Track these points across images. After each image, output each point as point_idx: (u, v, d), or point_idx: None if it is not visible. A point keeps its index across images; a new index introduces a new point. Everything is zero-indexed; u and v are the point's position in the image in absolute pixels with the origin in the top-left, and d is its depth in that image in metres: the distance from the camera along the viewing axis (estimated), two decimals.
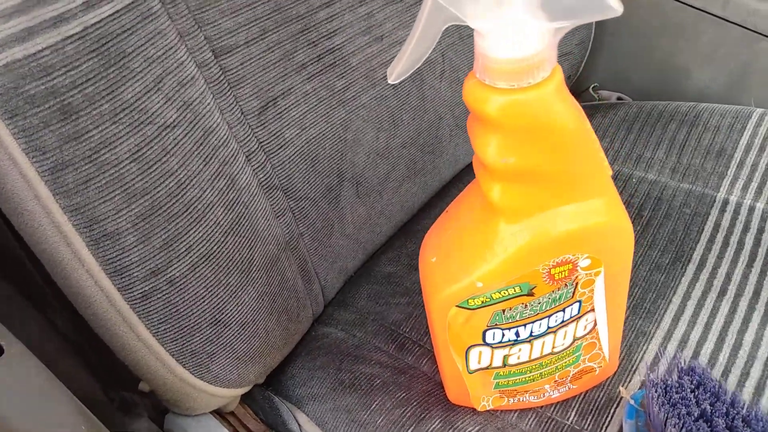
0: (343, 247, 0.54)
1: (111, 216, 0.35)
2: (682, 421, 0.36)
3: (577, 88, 0.78)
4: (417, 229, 0.60)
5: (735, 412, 0.36)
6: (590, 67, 0.75)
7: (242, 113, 0.42)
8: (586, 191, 0.33)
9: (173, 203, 0.37)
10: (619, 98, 0.74)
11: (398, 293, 0.54)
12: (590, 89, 0.76)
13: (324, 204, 0.50)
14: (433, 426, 0.44)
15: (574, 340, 0.40)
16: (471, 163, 0.66)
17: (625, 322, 0.48)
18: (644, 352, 0.46)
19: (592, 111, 0.68)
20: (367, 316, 0.53)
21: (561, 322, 0.38)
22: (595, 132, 0.68)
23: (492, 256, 0.34)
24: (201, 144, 0.39)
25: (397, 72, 0.29)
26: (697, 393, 0.37)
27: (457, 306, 0.37)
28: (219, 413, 0.50)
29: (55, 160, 0.33)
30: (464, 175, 0.64)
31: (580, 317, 0.38)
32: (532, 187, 0.32)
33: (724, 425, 0.35)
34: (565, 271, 0.35)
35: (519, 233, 0.33)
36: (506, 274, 0.35)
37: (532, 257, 0.34)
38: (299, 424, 0.48)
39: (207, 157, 0.39)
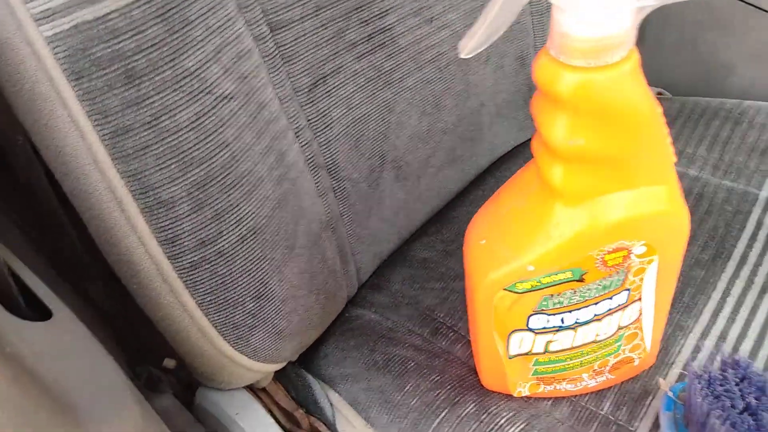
0: (380, 230, 0.54)
1: (167, 184, 0.35)
2: (726, 414, 0.36)
3: None
4: (453, 215, 0.60)
5: None
6: None
7: (293, 90, 0.42)
8: (649, 178, 0.32)
9: (227, 175, 0.37)
10: (659, 93, 0.73)
11: (433, 278, 0.54)
12: None
13: (365, 186, 0.50)
14: (467, 410, 0.44)
15: (618, 330, 0.40)
16: (507, 152, 0.66)
17: None
18: (682, 347, 0.46)
19: None
20: (401, 300, 0.53)
21: (607, 310, 0.38)
22: None
23: (546, 239, 0.34)
24: (254, 117, 0.39)
25: (470, 46, 0.28)
26: (741, 386, 0.37)
27: (504, 289, 0.37)
28: (251, 389, 0.50)
29: (117, 125, 0.33)
30: (501, 163, 0.64)
31: (626, 306, 0.38)
32: (595, 171, 0.32)
33: None
34: (619, 257, 0.35)
35: (576, 217, 0.33)
36: (560, 259, 0.35)
37: (588, 242, 0.34)
38: (331, 403, 0.48)
39: (260, 131, 0.39)
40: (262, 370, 0.46)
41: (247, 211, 0.39)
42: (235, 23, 0.37)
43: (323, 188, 0.46)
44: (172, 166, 0.35)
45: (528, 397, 0.45)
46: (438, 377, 0.46)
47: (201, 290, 0.39)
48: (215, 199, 0.37)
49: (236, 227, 0.39)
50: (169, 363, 0.56)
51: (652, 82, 0.81)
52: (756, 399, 0.36)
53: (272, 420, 0.48)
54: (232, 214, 0.38)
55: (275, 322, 0.44)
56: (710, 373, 0.38)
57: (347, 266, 0.51)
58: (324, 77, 0.44)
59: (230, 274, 0.39)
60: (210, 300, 0.40)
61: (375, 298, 0.54)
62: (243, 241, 0.39)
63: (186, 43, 0.34)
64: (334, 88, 0.45)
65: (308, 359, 0.51)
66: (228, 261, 0.39)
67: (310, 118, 0.44)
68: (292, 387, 0.50)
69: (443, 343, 0.49)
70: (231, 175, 0.37)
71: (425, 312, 0.52)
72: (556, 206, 0.33)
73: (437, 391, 0.45)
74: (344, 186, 0.48)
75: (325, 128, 0.45)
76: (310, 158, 0.45)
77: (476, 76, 0.56)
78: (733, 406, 0.36)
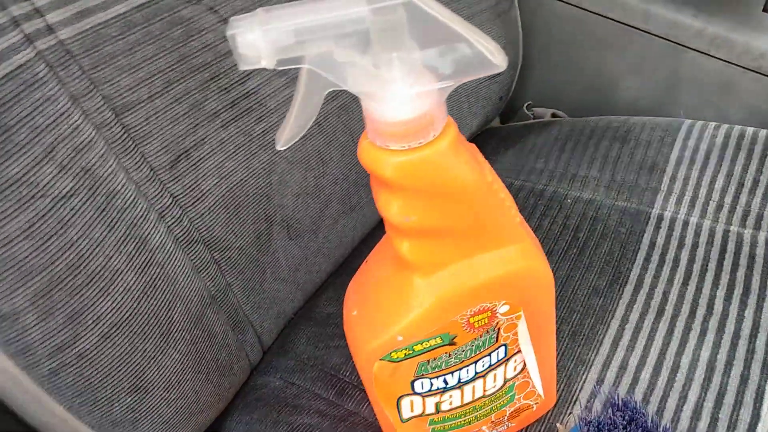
0: (279, 291, 0.52)
1: (5, 297, 0.33)
2: None
3: (511, 107, 0.78)
4: (358, 264, 0.59)
5: None
6: (523, 86, 0.74)
7: (151, 170, 0.41)
8: (497, 240, 0.32)
9: (75, 276, 0.35)
10: (554, 115, 0.74)
11: (337, 335, 0.53)
12: (524, 108, 0.76)
13: (253, 251, 0.49)
14: None
15: (506, 382, 0.39)
16: None
17: (564, 351, 0.47)
18: (584, 381, 0.46)
19: (525, 130, 0.68)
20: (306, 362, 0.52)
21: (489, 366, 0.37)
22: (530, 152, 0.68)
23: (408, 310, 0.33)
24: (104, 210, 0.37)
25: (284, 139, 0.28)
26: (629, 429, 0.37)
27: (380, 360, 0.36)
28: None
29: None
30: None
31: (508, 359, 0.38)
32: (441, 242, 0.31)
33: None
34: (484, 318, 0.34)
35: (433, 286, 0.32)
36: (425, 327, 0.34)
37: (449, 309, 0.33)
38: None
39: (111, 222, 0.37)
40: None
41: (105, 308, 0.37)
42: (70, 116, 0.36)
43: (202, 263, 0.45)
44: (8, 278, 0.33)
45: None
46: None
47: (67, 395, 0.37)
48: (65, 302, 0.35)
49: (95, 326, 0.37)
50: None
51: (548, 104, 0.82)
52: None
53: None
54: (88, 314, 0.36)
55: (160, 411, 0.42)
56: (599, 419, 0.38)
57: (244, 335, 0.49)
58: (186, 151, 0.43)
59: (97, 373, 0.37)
60: (80, 402, 0.38)
61: (280, 363, 0.52)
62: (106, 339, 0.37)
63: (7, 150, 0.32)
64: (199, 160, 0.44)
65: None
66: (92, 361, 0.37)
67: (176, 194, 0.42)
68: None
69: (349, 404, 0.48)
70: (81, 275, 0.36)
71: (330, 372, 0.50)
72: (412, 277, 0.33)
73: None
74: (228, 256, 0.47)
75: (195, 202, 0.44)
76: (181, 236, 0.43)
77: (360, 125, 0.54)
78: None
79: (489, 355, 0.37)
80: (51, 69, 0.35)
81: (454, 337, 0.35)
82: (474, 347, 0.36)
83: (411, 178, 0.28)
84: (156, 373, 0.41)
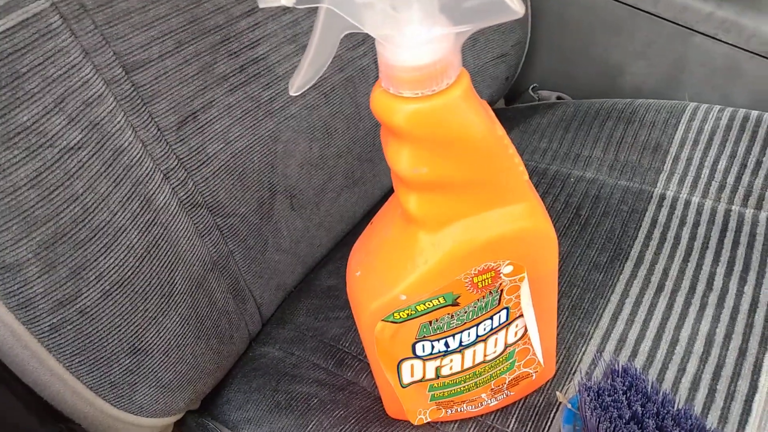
0: (279, 262, 0.52)
1: (9, 246, 0.33)
2: (613, 425, 0.35)
3: (517, 89, 0.78)
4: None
5: (665, 411, 0.36)
6: (529, 68, 0.75)
7: (158, 130, 0.41)
8: (504, 197, 0.32)
9: (80, 229, 0.35)
10: (558, 97, 0.74)
11: (338, 307, 0.53)
12: (530, 90, 0.76)
13: (256, 219, 0.49)
14: None
15: (506, 347, 0.39)
16: None
17: (563, 324, 0.48)
18: (583, 354, 0.46)
19: (530, 111, 0.68)
20: (305, 333, 0.52)
21: (490, 330, 0.37)
22: (534, 132, 0.68)
23: (413, 268, 0.33)
24: (110, 165, 0.37)
25: (297, 84, 0.28)
26: (629, 395, 0.37)
27: (383, 320, 0.36)
28: None
29: None
30: None
31: (509, 324, 0.38)
32: (449, 196, 0.31)
33: (654, 426, 0.35)
34: (488, 278, 0.34)
35: (439, 243, 0.32)
36: (429, 286, 0.34)
37: (454, 267, 0.33)
38: None
39: (117, 178, 0.37)
40: (155, 425, 0.44)
41: (108, 264, 0.37)
42: (82, 70, 0.36)
43: (205, 228, 0.45)
44: (14, 228, 0.33)
45: (433, 422, 0.44)
46: (342, 412, 0.45)
47: (67, 353, 0.37)
48: (69, 256, 0.35)
49: (97, 283, 0.37)
50: None
51: (551, 87, 0.82)
52: (642, 406, 0.36)
53: None
54: (91, 270, 0.36)
55: (159, 375, 0.42)
56: (599, 384, 0.38)
57: (244, 305, 0.49)
58: (194, 114, 0.43)
59: (97, 332, 0.37)
60: (79, 361, 0.38)
61: (279, 334, 0.52)
62: (107, 297, 0.37)
63: (17, 98, 0.32)
64: (206, 123, 0.43)
65: (212, 404, 0.49)
66: (93, 319, 0.37)
67: (181, 156, 0.42)
68: None
69: (348, 374, 0.48)
70: (85, 229, 0.36)
71: (330, 343, 0.50)
72: (418, 234, 0.33)
73: (341, 427, 0.44)
74: (231, 222, 0.47)
75: (200, 165, 0.44)
76: (185, 199, 0.43)
77: (365, 98, 0.55)
78: (620, 416, 0.36)
79: (491, 318, 0.37)
80: (64, 21, 0.35)
81: (457, 297, 0.35)
82: (476, 308, 0.36)
83: (423, 127, 0.28)
84: (156, 335, 0.41)
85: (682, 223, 0.53)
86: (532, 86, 0.76)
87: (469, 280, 0.34)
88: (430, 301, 0.35)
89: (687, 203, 0.54)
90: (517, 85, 0.75)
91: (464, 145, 0.29)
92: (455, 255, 0.33)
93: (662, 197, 0.55)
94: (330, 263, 0.57)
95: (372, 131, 0.57)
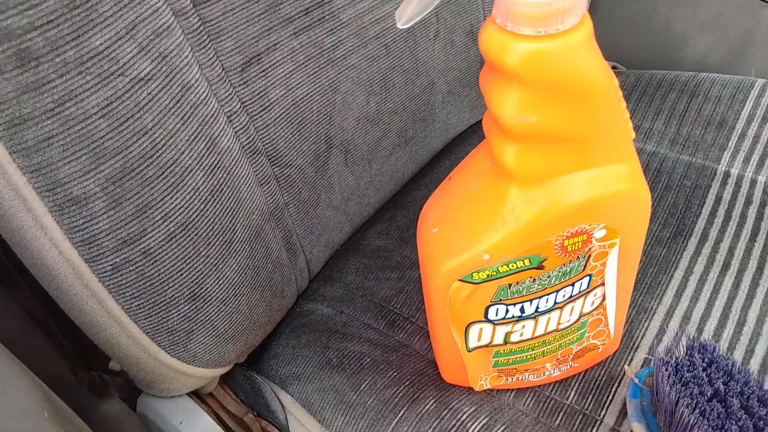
0: (330, 218, 0.51)
1: (77, 178, 0.31)
2: (695, 401, 0.34)
3: None
4: (407, 200, 0.57)
5: (750, 391, 0.34)
6: None
7: (223, 69, 0.39)
8: (608, 156, 0.30)
9: (148, 165, 0.33)
10: (613, 67, 0.71)
11: (388, 267, 0.51)
12: None
13: (311, 172, 0.47)
14: (427, 407, 0.42)
15: (581, 317, 0.38)
16: (461, 132, 0.63)
17: None
18: (646, 329, 0.44)
19: None
20: (355, 292, 0.50)
21: (569, 297, 0.36)
22: None
23: (502, 225, 0.31)
24: (178, 101, 0.35)
25: (406, 16, 0.25)
26: (709, 371, 0.36)
27: (459, 280, 0.34)
28: (197, 394, 0.47)
29: (12, 114, 0.29)
30: (455, 145, 0.61)
31: (588, 292, 0.36)
32: (551, 150, 0.29)
33: (738, 405, 0.34)
34: (579, 242, 0.32)
35: (533, 200, 0.31)
36: (517, 246, 0.32)
37: (547, 227, 0.31)
38: (283, 405, 0.45)
39: (185, 115, 0.35)
40: (205, 375, 0.43)
41: (174, 205, 0.35)
42: None
43: (264, 176, 0.43)
44: (83, 158, 0.31)
45: (490, 390, 0.43)
46: (395, 373, 0.44)
47: (127, 294, 0.35)
48: (136, 192, 0.33)
49: (162, 223, 0.35)
50: (116, 365, 0.53)
51: (605, 56, 0.79)
52: (724, 384, 0.35)
53: (219, 427, 0.45)
54: (157, 210, 0.34)
55: (215, 324, 0.40)
56: (677, 359, 0.36)
57: (296, 259, 0.48)
58: (258, 55, 0.40)
59: (159, 275, 0.36)
60: (138, 305, 0.36)
61: (327, 291, 0.51)
62: (172, 239, 0.35)
63: (91, 20, 0.30)
64: (270, 66, 0.41)
65: (258, 359, 0.48)
66: (156, 261, 0.35)
67: (244, 100, 0.40)
68: (241, 390, 0.47)
69: (400, 335, 0.47)
70: (153, 166, 0.34)
71: (381, 303, 0.49)
72: (510, 189, 0.31)
73: (395, 388, 0.43)
74: (288, 173, 0.45)
75: (262, 111, 0.42)
76: (247, 144, 0.41)
77: (425, 53, 0.52)
78: (701, 393, 0.34)
79: (572, 284, 0.35)
80: None
81: (543, 261, 0.33)
82: (561, 274, 0.34)
83: (541, 70, 0.26)
84: (215, 282, 0.39)
85: (747, 201, 0.51)
86: None
87: (560, 242, 0.32)
88: (514, 263, 0.33)
89: (753, 182, 0.52)
90: None
91: (582, 95, 0.27)
92: (550, 214, 0.31)
93: (726, 174, 0.53)
94: (378, 223, 0.56)
95: (427, 89, 0.55)
